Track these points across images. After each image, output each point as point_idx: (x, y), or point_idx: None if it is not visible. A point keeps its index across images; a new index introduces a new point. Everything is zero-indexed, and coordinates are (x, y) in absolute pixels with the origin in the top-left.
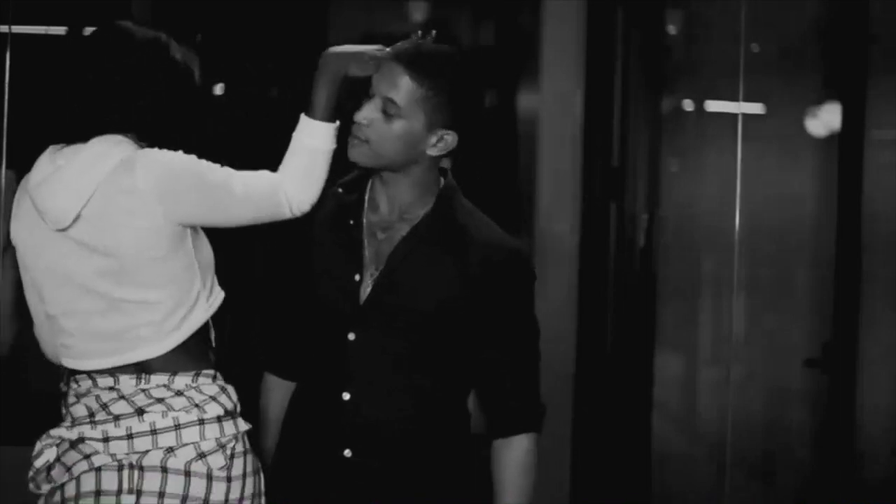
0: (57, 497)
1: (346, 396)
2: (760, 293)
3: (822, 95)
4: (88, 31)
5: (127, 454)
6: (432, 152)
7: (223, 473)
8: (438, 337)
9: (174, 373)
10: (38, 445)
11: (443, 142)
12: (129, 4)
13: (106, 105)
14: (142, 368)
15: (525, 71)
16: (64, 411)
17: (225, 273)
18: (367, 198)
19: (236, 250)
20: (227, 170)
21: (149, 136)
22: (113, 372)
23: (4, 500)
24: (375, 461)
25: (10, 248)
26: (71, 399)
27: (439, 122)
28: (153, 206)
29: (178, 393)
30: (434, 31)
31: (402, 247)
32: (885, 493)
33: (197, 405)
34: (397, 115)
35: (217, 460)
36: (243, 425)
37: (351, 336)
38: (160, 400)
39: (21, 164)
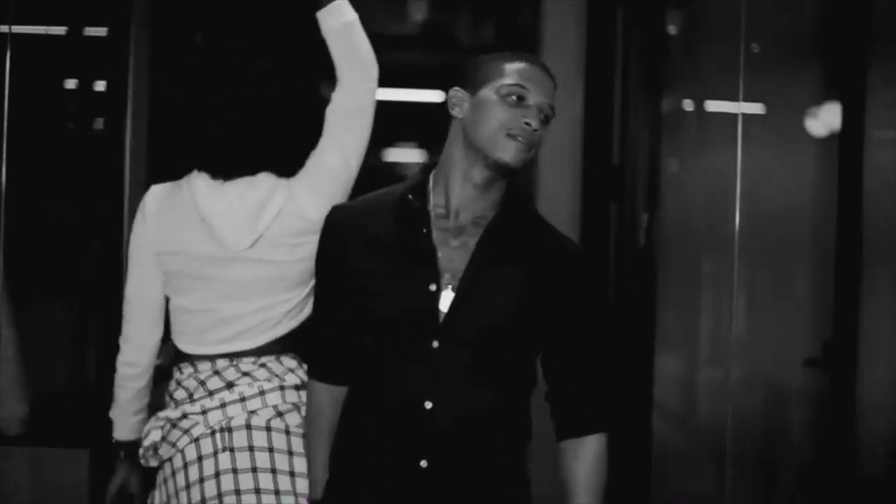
0: (167, 469)
1: (429, 405)
2: (760, 293)
3: (822, 95)
4: (88, 31)
5: (219, 421)
6: None
7: (300, 430)
8: (515, 342)
9: (263, 353)
10: (147, 426)
11: None
12: (129, 4)
13: (282, 142)
14: (244, 352)
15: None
16: (168, 398)
17: None
18: (432, 204)
19: None
20: (330, 140)
21: (288, 171)
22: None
23: (4, 500)
24: (451, 471)
25: None
26: (172, 386)
27: None
28: (318, 226)
29: (262, 365)
30: None
31: (480, 254)
32: (884, 493)
33: (277, 375)
34: (548, 122)
35: (294, 419)
36: None
37: (435, 344)
38: (246, 373)
39: (21, 164)
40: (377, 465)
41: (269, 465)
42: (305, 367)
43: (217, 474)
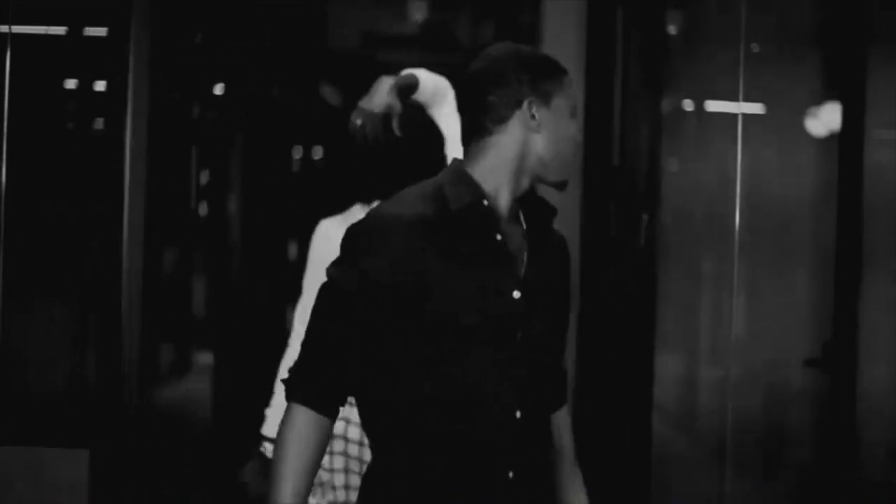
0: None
1: (519, 415)
2: (760, 293)
3: (822, 95)
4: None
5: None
6: None
7: None
8: (562, 340)
9: None
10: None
11: None
12: (129, 4)
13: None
14: None
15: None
16: None
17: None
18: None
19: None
20: None
21: None
22: None
23: (3, 500)
24: (530, 479)
25: None
26: None
27: None
28: None
29: None
30: None
31: (533, 258)
32: (884, 493)
33: None
34: None
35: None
36: None
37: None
38: None
39: (21, 164)
40: (465, 481)
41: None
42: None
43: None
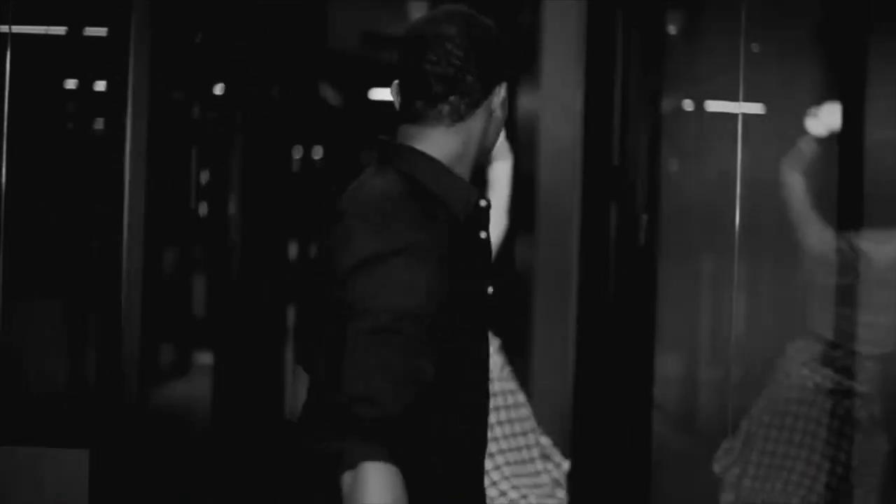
0: None
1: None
2: (760, 292)
3: (822, 95)
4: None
5: None
6: None
7: None
8: None
9: None
10: None
11: None
12: (129, 4)
13: None
14: None
15: (525, 71)
16: None
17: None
18: None
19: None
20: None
21: None
22: None
23: (3, 499)
24: None
25: None
26: None
27: None
28: None
29: None
30: None
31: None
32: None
33: None
34: None
35: None
36: None
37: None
38: None
39: (21, 164)
40: (468, 477)
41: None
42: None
43: None
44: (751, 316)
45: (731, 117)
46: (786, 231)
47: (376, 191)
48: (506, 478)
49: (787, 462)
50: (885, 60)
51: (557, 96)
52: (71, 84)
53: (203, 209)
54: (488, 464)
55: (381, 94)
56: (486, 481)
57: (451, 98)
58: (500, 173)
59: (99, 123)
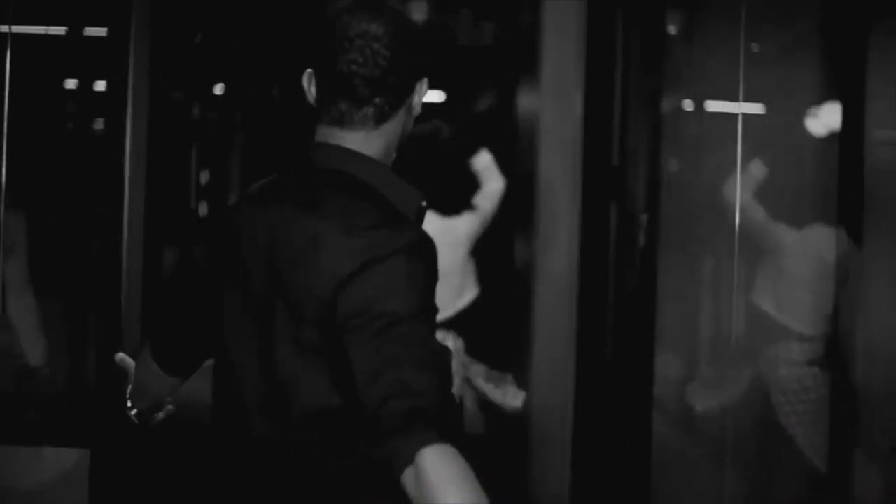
0: None
1: None
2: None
3: (822, 95)
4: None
5: None
6: None
7: None
8: None
9: None
10: None
11: None
12: (129, 4)
13: None
14: None
15: (525, 71)
16: None
17: None
18: None
19: None
20: None
21: None
22: None
23: (4, 499)
24: None
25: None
26: None
27: None
28: None
29: None
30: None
31: None
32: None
33: None
34: None
35: None
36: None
37: None
38: None
39: (21, 164)
40: None
41: None
42: None
43: None
44: (751, 316)
45: (731, 117)
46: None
47: (345, 198)
48: None
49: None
50: (885, 60)
51: (557, 96)
52: (71, 84)
53: (203, 209)
54: None
55: None
56: None
57: (377, 100)
58: (489, 197)
59: (99, 123)
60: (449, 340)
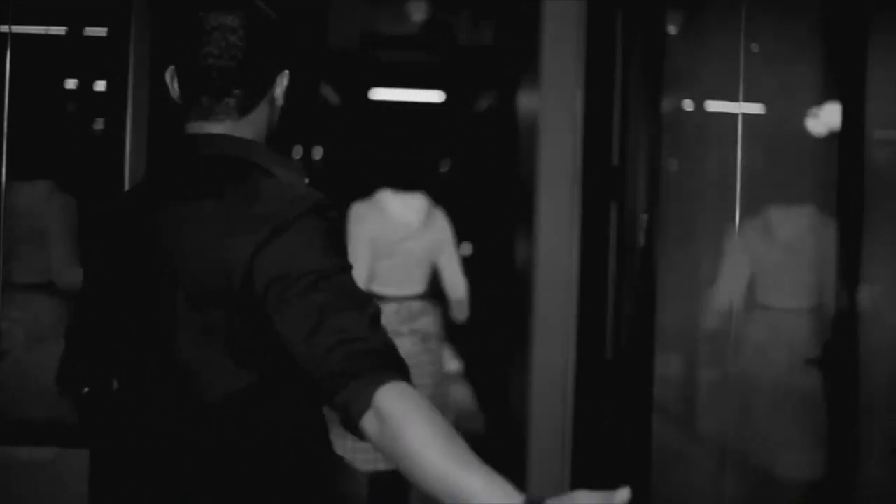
0: None
1: None
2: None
3: (822, 95)
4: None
5: None
6: None
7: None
8: None
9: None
10: None
11: None
12: (129, 4)
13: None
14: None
15: (525, 71)
16: None
17: None
18: None
19: None
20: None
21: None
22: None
23: (4, 499)
24: None
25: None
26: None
27: None
28: None
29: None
30: None
31: None
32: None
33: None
34: None
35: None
36: None
37: None
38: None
39: (21, 164)
40: None
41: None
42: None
43: None
44: (751, 316)
45: (731, 117)
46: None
47: (235, 178)
48: None
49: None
50: (885, 59)
51: (557, 96)
52: (71, 84)
53: None
54: None
55: (381, 94)
56: None
57: (236, 91)
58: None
59: (99, 123)
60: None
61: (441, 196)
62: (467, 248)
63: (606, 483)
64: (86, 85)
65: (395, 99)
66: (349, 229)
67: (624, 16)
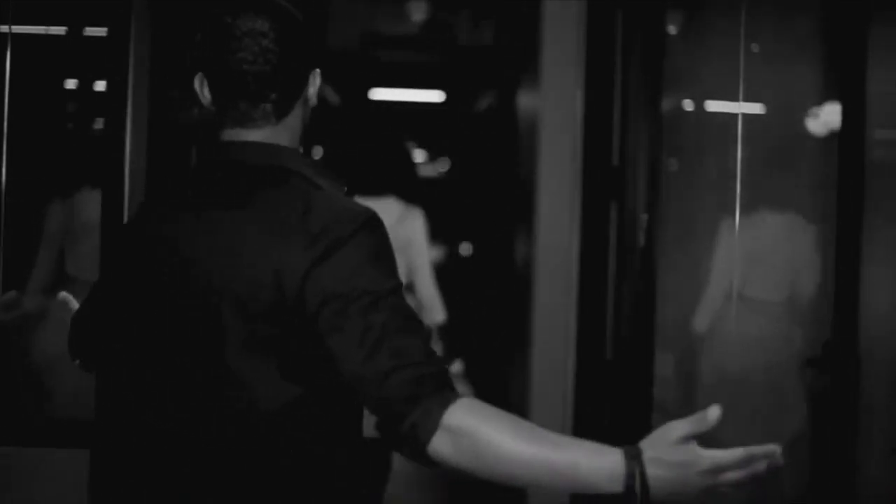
0: None
1: None
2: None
3: (822, 95)
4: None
5: None
6: None
7: None
8: None
9: None
10: None
11: None
12: (129, 4)
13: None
14: None
15: (525, 71)
16: None
17: None
18: None
19: None
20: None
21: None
22: None
23: (4, 499)
24: None
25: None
26: None
27: None
28: None
29: None
30: None
31: None
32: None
33: None
34: None
35: None
36: None
37: None
38: None
39: (21, 164)
40: None
41: None
42: None
43: None
44: (751, 315)
45: (731, 117)
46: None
47: (281, 189)
48: None
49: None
50: (885, 59)
51: (557, 96)
52: (71, 84)
53: None
54: None
55: (381, 94)
56: None
57: (273, 96)
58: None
59: (99, 123)
60: None
61: (441, 196)
62: (467, 248)
63: None
64: (86, 85)
65: (395, 99)
66: None
67: (624, 16)
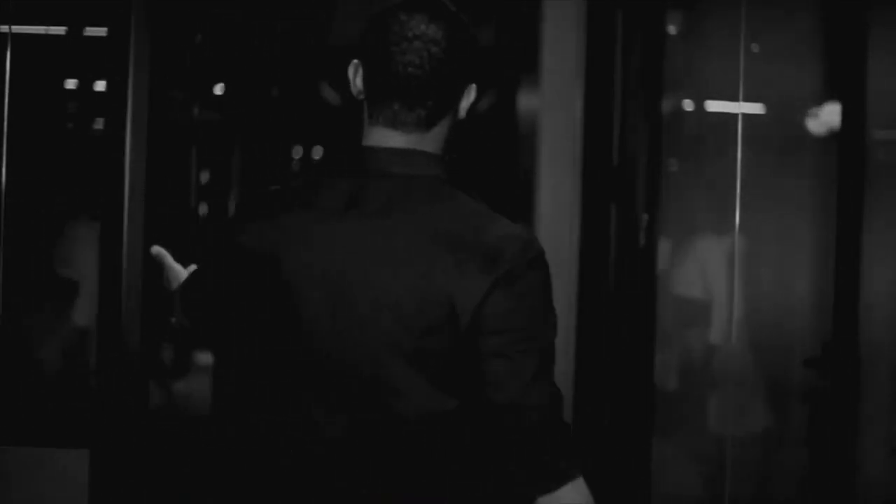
0: None
1: None
2: (760, 292)
3: (822, 95)
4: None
5: None
6: None
7: None
8: None
9: None
10: None
11: None
12: (129, 4)
13: None
14: None
15: (525, 71)
16: None
17: None
18: None
19: None
20: None
21: None
22: None
23: (4, 499)
24: None
25: None
26: None
27: None
28: None
29: None
30: None
31: None
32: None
33: None
34: None
35: None
36: None
37: None
38: None
39: (21, 164)
40: None
41: None
42: None
43: None
44: (751, 315)
45: (731, 117)
46: (785, 230)
47: (445, 203)
48: None
49: None
50: (884, 59)
51: (557, 96)
52: (71, 84)
53: (203, 209)
54: None
55: None
56: None
57: (429, 103)
58: None
59: (99, 123)
60: None
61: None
62: None
63: (607, 483)
64: (86, 85)
65: None
66: None
67: (624, 16)
